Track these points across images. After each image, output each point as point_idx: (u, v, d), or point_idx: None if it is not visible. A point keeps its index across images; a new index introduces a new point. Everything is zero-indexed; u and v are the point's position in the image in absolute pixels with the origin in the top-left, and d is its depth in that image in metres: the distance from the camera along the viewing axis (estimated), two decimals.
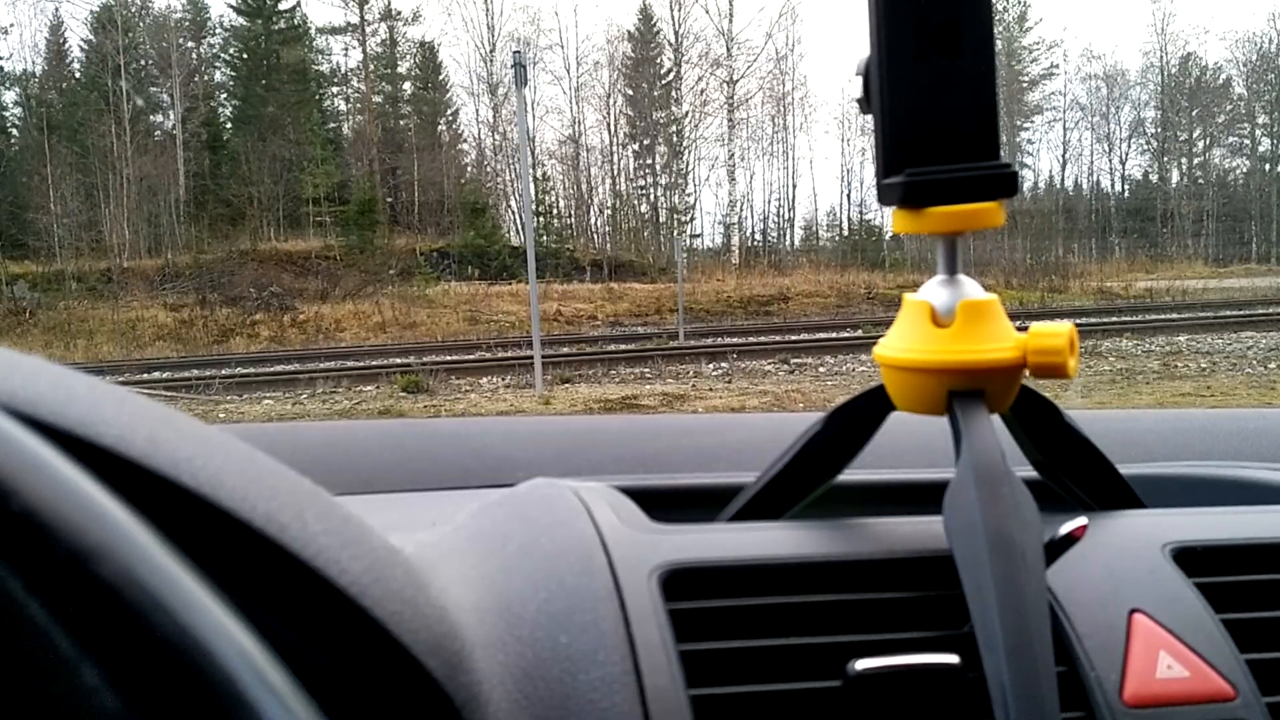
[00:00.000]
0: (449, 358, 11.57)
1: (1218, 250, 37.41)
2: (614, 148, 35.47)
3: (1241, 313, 13.53)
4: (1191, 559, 0.48)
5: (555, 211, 32.99)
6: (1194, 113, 41.25)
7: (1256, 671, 0.43)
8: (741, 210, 33.53)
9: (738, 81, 31.79)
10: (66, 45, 33.46)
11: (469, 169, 35.30)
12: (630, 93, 35.98)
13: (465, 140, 36.78)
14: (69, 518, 0.22)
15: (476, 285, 22.27)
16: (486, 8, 39.24)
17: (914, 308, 0.48)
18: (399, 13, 35.14)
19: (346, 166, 32.38)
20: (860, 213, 38.23)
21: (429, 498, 0.72)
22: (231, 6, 33.17)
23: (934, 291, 0.48)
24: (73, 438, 0.26)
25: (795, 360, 10.13)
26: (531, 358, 8.93)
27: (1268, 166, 40.08)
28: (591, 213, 34.76)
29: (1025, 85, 40.12)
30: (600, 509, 0.48)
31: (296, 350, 14.75)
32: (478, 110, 43.70)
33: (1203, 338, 10.89)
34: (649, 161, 35.58)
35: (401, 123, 35.68)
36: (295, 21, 33.91)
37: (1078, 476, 0.55)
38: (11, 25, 40.87)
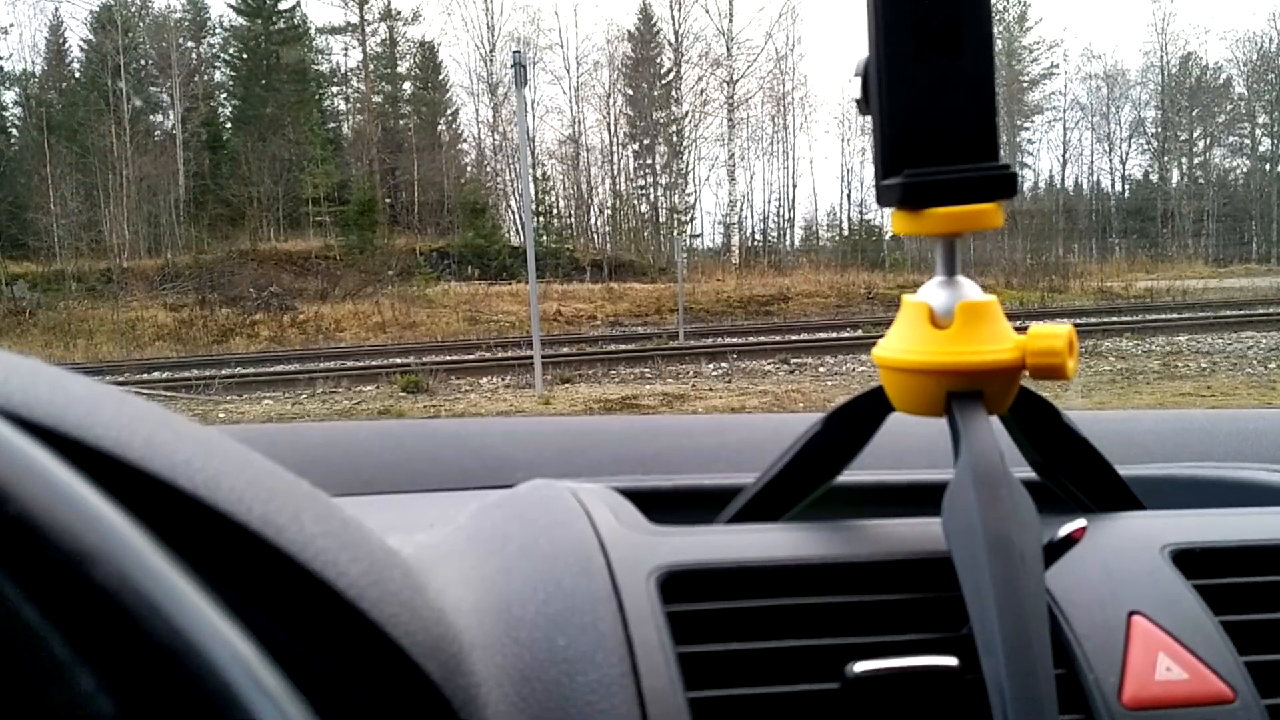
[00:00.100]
0: (449, 358, 11.56)
1: (1218, 250, 37.40)
2: (614, 148, 35.52)
3: (1242, 313, 13.52)
4: (1191, 561, 0.48)
5: (555, 211, 33.04)
6: (1194, 112, 41.26)
7: (1255, 674, 0.43)
8: (741, 210, 33.62)
9: (738, 81, 31.93)
10: (66, 45, 33.53)
11: (469, 169, 35.32)
12: (630, 93, 35.98)
13: (465, 140, 36.86)
14: (64, 522, 0.22)
15: (476, 285, 22.27)
16: (486, 8, 39.35)
17: (913, 309, 0.48)
18: (399, 13, 35.21)
19: (346, 166, 32.37)
20: (860, 213, 38.30)
21: (428, 499, 0.71)
22: (231, 6, 33.24)
23: (933, 293, 0.47)
24: (71, 440, 0.26)
25: (795, 360, 10.12)
26: (531, 358, 8.93)
27: (1268, 166, 40.10)
28: (591, 213, 34.83)
29: (1025, 85, 40.12)
30: (599, 510, 0.48)
31: (296, 350, 14.75)
32: (478, 110, 43.84)
33: (1203, 338, 10.88)
34: (649, 161, 35.59)
35: (401, 123, 35.65)
36: (295, 21, 33.93)
37: (1077, 478, 0.55)
38: (11, 25, 40.96)
